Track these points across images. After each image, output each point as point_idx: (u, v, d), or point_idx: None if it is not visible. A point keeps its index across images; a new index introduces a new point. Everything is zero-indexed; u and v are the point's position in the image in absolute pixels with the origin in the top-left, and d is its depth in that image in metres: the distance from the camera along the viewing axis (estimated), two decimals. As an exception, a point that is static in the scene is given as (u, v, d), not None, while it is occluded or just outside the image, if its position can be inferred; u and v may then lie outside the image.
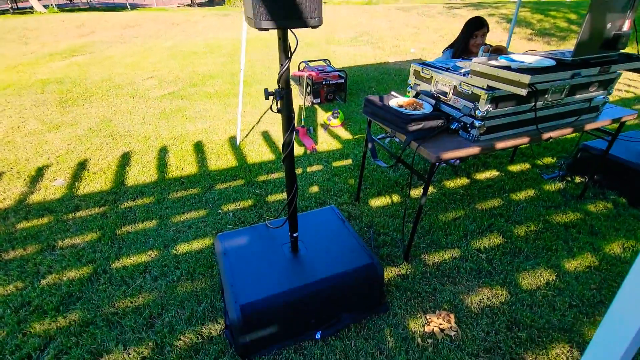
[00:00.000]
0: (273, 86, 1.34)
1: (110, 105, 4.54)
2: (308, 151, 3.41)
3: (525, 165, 3.16)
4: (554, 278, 2.04)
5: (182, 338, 1.70)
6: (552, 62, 1.76)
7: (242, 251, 1.79)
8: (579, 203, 2.65)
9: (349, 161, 3.23)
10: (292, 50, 1.22)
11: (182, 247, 2.25)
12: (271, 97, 1.28)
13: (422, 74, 2.08)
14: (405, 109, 1.95)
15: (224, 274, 1.68)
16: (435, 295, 1.93)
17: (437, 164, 1.76)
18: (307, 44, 7.83)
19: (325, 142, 3.58)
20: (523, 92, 1.56)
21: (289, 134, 1.35)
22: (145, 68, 6.17)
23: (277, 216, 2.49)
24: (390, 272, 2.06)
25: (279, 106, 1.31)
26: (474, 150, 1.78)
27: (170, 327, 1.75)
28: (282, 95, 1.28)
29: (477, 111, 1.76)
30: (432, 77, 2.01)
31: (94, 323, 1.78)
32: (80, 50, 7.55)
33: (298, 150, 3.43)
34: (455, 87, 1.86)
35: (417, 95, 2.16)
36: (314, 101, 4.52)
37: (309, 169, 3.11)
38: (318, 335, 1.68)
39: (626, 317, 0.61)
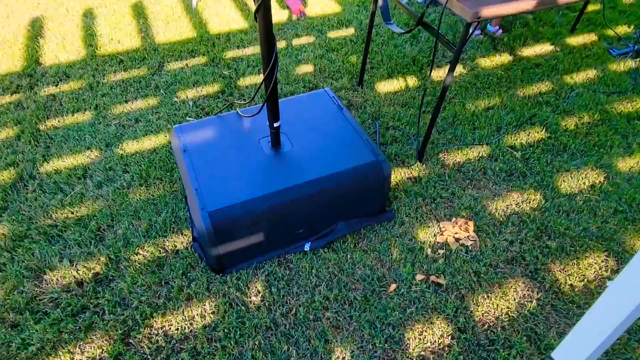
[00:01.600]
0: None
1: (1, -53, 3.95)
2: (294, 16, 3.15)
3: (591, 37, 2.97)
4: (601, 180, 2.09)
5: (140, 252, 1.78)
6: None
7: (208, 147, 1.75)
8: (651, 87, 2.58)
9: (351, 30, 3.01)
10: None
11: (130, 146, 2.20)
12: None
13: None
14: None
15: (185, 176, 1.67)
16: (453, 201, 1.99)
17: (473, 28, 1.61)
18: None
19: (317, 3, 3.28)
20: None
21: (260, -30, 1.16)
22: None
23: (252, 101, 2.40)
24: (398, 175, 2.09)
25: None
26: (527, 4, 1.60)
27: (125, 241, 1.81)
28: None
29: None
30: None
31: (28, 237, 1.83)
32: None
33: (280, 16, 3.15)
34: None
35: None
36: (301, -59, 3.98)
37: (295, 42, 2.90)
38: (307, 247, 1.76)
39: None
